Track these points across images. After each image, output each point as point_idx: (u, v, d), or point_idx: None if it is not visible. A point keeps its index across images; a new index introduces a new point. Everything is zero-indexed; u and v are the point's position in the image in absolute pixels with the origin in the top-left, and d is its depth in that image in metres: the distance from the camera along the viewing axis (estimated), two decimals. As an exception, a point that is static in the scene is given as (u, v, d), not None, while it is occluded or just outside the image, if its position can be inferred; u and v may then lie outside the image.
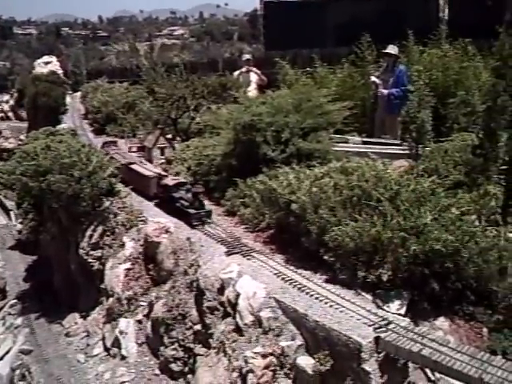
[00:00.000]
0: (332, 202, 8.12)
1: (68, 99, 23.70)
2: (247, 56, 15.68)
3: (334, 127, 10.73)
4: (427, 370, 7.04)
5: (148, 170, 11.33)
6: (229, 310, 7.97)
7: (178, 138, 14.84)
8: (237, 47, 24.40)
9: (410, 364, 6.91)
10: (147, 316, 9.45)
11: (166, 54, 18.98)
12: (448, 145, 12.07)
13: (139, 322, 9.56)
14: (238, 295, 7.84)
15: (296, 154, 9.87)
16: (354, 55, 16.73)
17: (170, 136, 14.84)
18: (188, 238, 9.35)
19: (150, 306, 9.36)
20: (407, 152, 12.52)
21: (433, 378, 7.04)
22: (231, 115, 11.42)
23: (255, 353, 7.20)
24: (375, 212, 7.91)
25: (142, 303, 9.65)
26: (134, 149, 14.64)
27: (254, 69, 16.52)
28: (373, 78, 14.91)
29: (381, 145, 13.02)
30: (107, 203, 10.87)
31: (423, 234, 7.47)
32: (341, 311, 7.14)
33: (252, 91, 15.60)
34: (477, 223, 8.58)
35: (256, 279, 7.93)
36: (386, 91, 14.32)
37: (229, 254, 8.64)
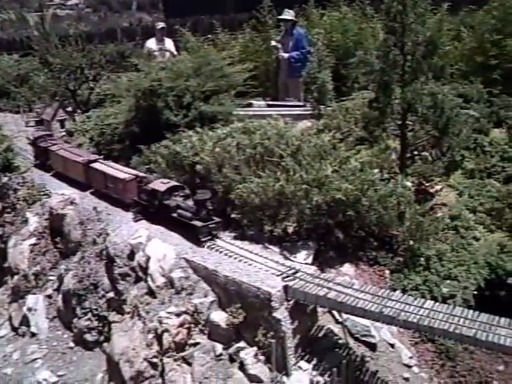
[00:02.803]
0: (236, 161, 8.38)
1: None
2: (161, 24, 15.39)
3: (235, 89, 10.92)
4: (334, 313, 7.56)
5: (119, 170, 9.47)
6: (140, 274, 8.09)
7: (79, 110, 14.50)
8: (136, 17, 23.98)
9: (319, 308, 7.40)
10: (57, 290, 9.37)
11: (59, 25, 18.33)
12: (349, 103, 12.64)
13: (49, 296, 9.46)
14: (148, 259, 7.97)
15: (199, 118, 10.00)
16: (255, 20, 16.93)
17: (69, 108, 14.47)
18: (95, 208, 9.33)
19: (60, 279, 9.28)
20: (310, 112, 13.04)
21: (340, 320, 7.56)
22: (131, 82, 11.33)
23: (169, 313, 7.39)
24: (278, 168, 8.25)
25: (50, 277, 9.55)
26: (32, 123, 14.14)
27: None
28: (273, 43, 15.19)
29: (285, 107, 13.40)
30: (5, 179, 10.57)
31: (325, 185, 7.89)
32: (250, 265, 7.45)
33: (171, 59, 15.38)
34: (379, 175, 9.17)
35: (165, 242, 8.08)
36: (286, 55, 14.65)
37: (136, 220, 8.72)
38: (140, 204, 8.72)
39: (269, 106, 13.54)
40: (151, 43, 14.75)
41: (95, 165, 9.77)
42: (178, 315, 7.35)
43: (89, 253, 8.93)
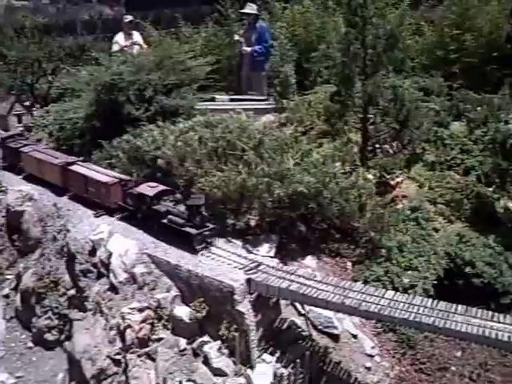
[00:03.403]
0: (198, 155, 8.42)
1: None
2: (129, 17, 15.18)
3: (197, 83, 10.94)
4: (297, 305, 7.68)
5: (100, 173, 8.98)
6: (102, 270, 8.05)
7: (37, 105, 14.27)
8: (96, 10, 23.58)
9: (282, 301, 7.50)
10: (15, 289, 9.24)
11: (14, 17, 17.90)
12: (312, 97, 12.81)
13: (6, 296, 9.32)
14: (110, 254, 7.94)
15: (161, 112, 9.98)
16: (218, 14, 16.94)
17: (27, 103, 14.23)
18: (54, 204, 9.23)
19: (18, 277, 9.16)
20: (273, 106, 13.14)
21: (303, 312, 7.69)
22: (92, 76, 11.22)
23: (131, 308, 7.39)
24: (240, 161, 8.32)
25: (8, 277, 9.41)
26: (-14, 119, 13.84)
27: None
28: (236, 37, 15.22)
29: (248, 101, 13.45)
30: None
31: (287, 178, 8.00)
32: (212, 259, 7.49)
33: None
34: (340, 168, 9.31)
35: (127, 237, 8.06)
36: (249, 49, 14.69)
37: (97, 215, 8.67)
38: (125, 209, 8.31)
39: (232, 100, 13.57)
40: (120, 38, 14.56)
41: (74, 167, 9.25)
42: (140, 311, 7.36)
43: (49, 250, 8.84)
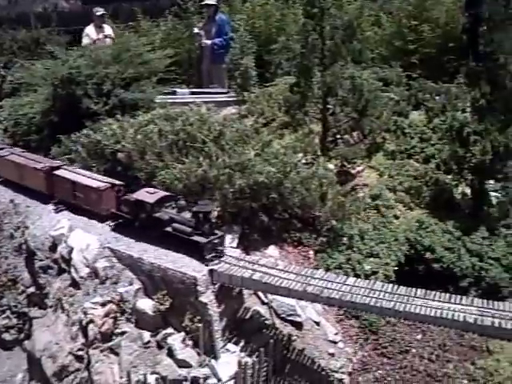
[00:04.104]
0: (158, 148, 8.47)
1: None
2: (101, 10, 14.94)
3: (156, 76, 10.96)
4: (260, 294, 7.81)
5: (90, 178, 8.44)
6: (63, 266, 8.03)
7: (-10, 101, 14.02)
8: (51, 2, 23.21)
9: (245, 291, 7.62)
10: (-31, 291, 9.13)
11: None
12: (272, 89, 12.95)
13: (-38, 297, 9.21)
14: (71, 250, 7.92)
15: (120, 105, 9.98)
16: (177, 7, 16.91)
17: (-22, 99, 13.95)
18: (11, 201, 9.15)
19: (-26, 278, 9.07)
20: (235, 99, 13.24)
21: (266, 301, 7.82)
22: (48, 70, 11.13)
23: (94, 303, 7.41)
24: (201, 153, 8.40)
25: (-40, 279, 9.29)
26: None
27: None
28: (196, 30, 15.24)
29: (209, 94, 13.51)
30: None
31: (247, 169, 8.11)
32: (175, 251, 7.56)
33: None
34: (303, 160, 9.49)
35: (89, 232, 8.06)
36: (209, 41, 14.74)
37: (57, 210, 8.63)
38: (120, 217, 7.78)
39: (192, 93, 13.60)
40: (91, 31, 14.34)
41: (60, 172, 8.68)
42: (103, 305, 7.39)
43: (6, 248, 8.76)
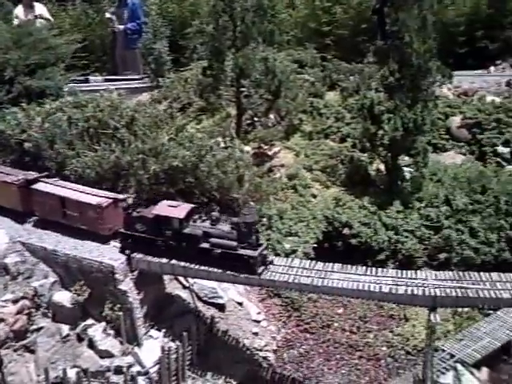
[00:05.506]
0: (68, 136, 8.30)
1: None
2: None
3: (64, 62, 10.63)
4: (181, 279, 7.85)
5: (83, 192, 7.41)
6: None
7: None
8: None
9: (165, 276, 7.64)
10: None
11: None
12: (188, 73, 12.91)
13: None
14: (-24, 247, 7.66)
15: (25, 93, 9.64)
16: (86, -10, 16.50)
17: None
18: None
19: None
20: (150, 85, 13.12)
21: (187, 285, 7.88)
22: None
23: (4, 301, 7.20)
24: (113, 140, 8.31)
25: None
26: None
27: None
28: (107, 15, 14.92)
29: (123, 81, 13.32)
30: None
31: (161, 153, 8.09)
32: (91, 240, 7.47)
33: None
34: (222, 143, 9.53)
35: (-4, 227, 7.82)
36: (122, 27, 14.48)
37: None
38: (131, 236, 6.90)
39: (107, 80, 13.36)
40: (19, 11, 13.52)
41: (39, 186, 7.62)
42: (15, 302, 7.21)
43: None
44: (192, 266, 6.96)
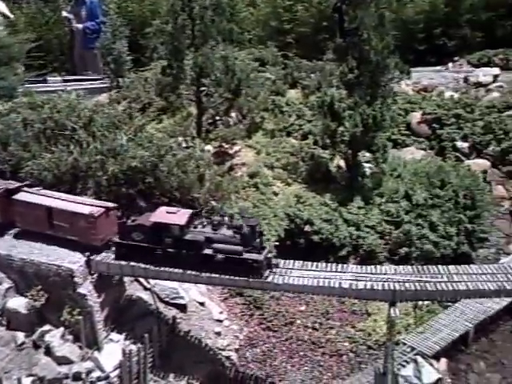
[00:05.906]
0: (23, 138, 8.18)
1: None
2: None
3: (18, 61, 10.45)
4: (142, 280, 7.80)
5: (72, 202, 7.11)
6: None
7: None
8: None
9: (125, 278, 7.58)
10: None
11: None
12: (148, 73, 12.84)
13: None
14: None
15: (-24, 95, 9.48)
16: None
17: None
18: None
19: None
20: (109, 85, 12.99)
21: (148, 286, 7.83)
22: None
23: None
24: (71, 141, 8.23)
25: None
26: None
27: None
28: (64, 13, 14.77)
29: (82, 81, 13.18)
30: None
31: (120, 154, 8.04)
32: (48, 244, 7.35)
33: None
34: (184, 143, 9.50)
35: None
36: (80, 26, 14.35)
37: None
38: (127, 246, 6.76)
39: (65, 81, 13.21)
40: None
41: (21, 196, 7.26)
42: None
43: None
44: (153, 267, 6.94)
